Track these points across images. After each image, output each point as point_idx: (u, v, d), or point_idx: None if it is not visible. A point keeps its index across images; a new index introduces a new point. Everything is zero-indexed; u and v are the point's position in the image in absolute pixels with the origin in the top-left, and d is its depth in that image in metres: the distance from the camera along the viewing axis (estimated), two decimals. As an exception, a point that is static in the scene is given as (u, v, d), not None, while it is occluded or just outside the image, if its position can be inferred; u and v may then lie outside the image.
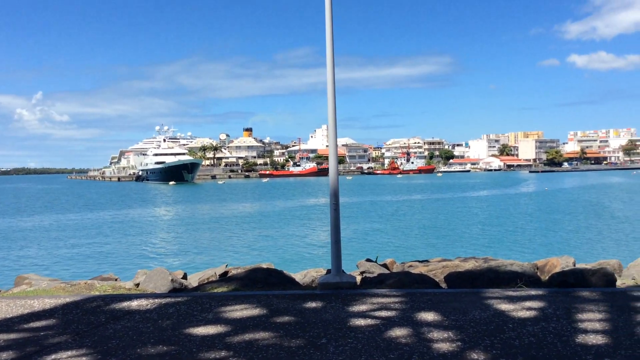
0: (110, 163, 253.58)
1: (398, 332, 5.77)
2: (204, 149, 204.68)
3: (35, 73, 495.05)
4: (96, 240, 33.33)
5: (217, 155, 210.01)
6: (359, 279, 9.82)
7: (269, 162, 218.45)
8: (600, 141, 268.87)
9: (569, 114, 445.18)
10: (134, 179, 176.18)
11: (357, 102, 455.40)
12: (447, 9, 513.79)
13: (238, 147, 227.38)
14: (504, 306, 6.86)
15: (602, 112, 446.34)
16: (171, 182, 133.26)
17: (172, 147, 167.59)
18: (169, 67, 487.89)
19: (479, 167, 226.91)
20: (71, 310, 7.37)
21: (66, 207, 64.28)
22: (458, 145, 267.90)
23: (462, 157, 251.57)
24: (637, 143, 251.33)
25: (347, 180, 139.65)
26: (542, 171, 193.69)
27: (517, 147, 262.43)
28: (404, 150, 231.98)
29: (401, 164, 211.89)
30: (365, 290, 8.20)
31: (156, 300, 7.85)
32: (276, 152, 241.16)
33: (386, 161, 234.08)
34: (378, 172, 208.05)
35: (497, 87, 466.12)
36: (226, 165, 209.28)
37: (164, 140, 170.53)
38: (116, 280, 12.75)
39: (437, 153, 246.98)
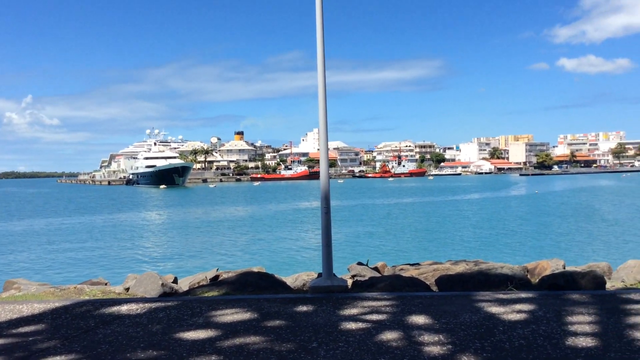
0: (101, 167, 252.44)
1: (389, 336, 5.77)
2: (195, 152, 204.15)
3: (24, 76, 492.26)
4: (86, 244, 33.13)
5: (208, 159, 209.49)
6: (350, 282, 9.82)
7: (260, 166, 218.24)
8: (590, 144, 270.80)
9: (558, 118, 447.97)
10: (125, 182, 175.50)
11: (348, 106, 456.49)
12: (437, 13, 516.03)
13: (229, 151, 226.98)
14: (495, 309, 6.88)
15: (591, 115, 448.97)
16: (162, 186, 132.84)
17: (163, 151, 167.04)
18: (160, 70, 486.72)
19: (469, 170, 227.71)
20: (60, 315, 7.31)
21: (56, 211, 63.87)
22: (449, 148, 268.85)
23: (453, 160, 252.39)
24: (627, 146, 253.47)
25: (338, 184, 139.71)
26: (532, 174, 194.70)
27: (508, 150, 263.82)
28: (395, 153, 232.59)
29: (392, 167, 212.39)
30: (357, 294, 8.19)
31: (146, 304, 7.81)
32: (268, 156, 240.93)
33: (377, 164, 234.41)
34: (369, 175, 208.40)
35: (488, 90, 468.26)
36: (217, 168, 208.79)
37: (155, 144, 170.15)
38: (106, 284, 12.68)
39: (428, 156, 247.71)
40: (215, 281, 10.99)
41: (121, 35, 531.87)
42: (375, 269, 13.45)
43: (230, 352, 5.36)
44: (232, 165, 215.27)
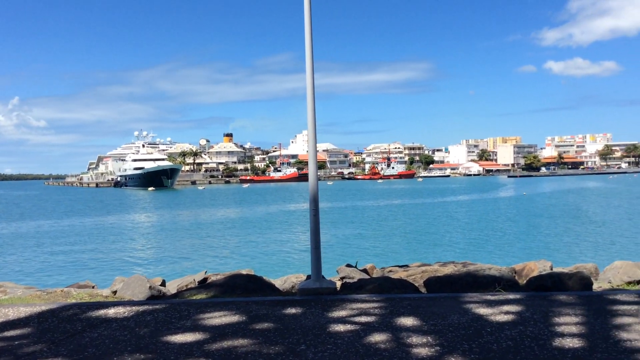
0: (88, 169, 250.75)
1: (377, 338, 5.77)
2: (183, 154, 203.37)
3: (11, 78, 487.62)
4: (74, 247, 32.86)
5: (197, 161, 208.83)
6: (339, 284, 9.81)
7: (249, 168, 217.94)
8: (577, 146, 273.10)
9: (546, 120, 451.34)
10: (113, 184, 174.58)
11: (337, 108, 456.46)
12: (426, 16, 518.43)
13: (218, 153, 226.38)
14: (483, 310, 6.90)
15: (578, 117, 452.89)
16: (150, 188, 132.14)
17: (151, 153, 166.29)
18: (148, 72, 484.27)
19: (458, 172, 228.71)
20: (47, 318, 7.24)
21: (44, 214, 63.34)
22: (438, 150, 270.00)
23: (442, 162, 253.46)
24: (613, 148, 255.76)
25: (327, 186, 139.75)
26: (520, 176, 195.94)
27: (496, 152, 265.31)
28: (385, 155, 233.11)
29: (382, 169, 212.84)
30: (345, 296, 8.19)
31: (134, 307, 7.76)
32: (257, 158, 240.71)
33: (367, 166, 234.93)
34: (359, 177, 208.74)
35: (476, 92, 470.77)
36: (206, 170, 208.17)
37: (143, 146, 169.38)
38: (93, 287, 12.57)
39: (417, 158, 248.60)
40: (203, 284, 10.95)
41: (109, 36, 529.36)
42: (364, 270, 13.45)
43: (218, 355, 5.34)
44: (221, 167, 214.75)
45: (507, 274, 9.46)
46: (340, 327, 6.25)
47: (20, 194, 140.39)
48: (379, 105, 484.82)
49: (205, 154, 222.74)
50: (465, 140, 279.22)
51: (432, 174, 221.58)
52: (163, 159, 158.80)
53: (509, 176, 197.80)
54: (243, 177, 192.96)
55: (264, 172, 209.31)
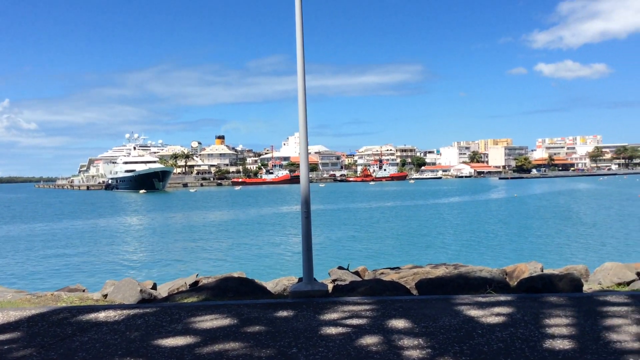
0: (79, 171, 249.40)
1: (369, 340, 5.77)
2: (175, 156, 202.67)
3: (1, 80, 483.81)
4: (64, 250, 32.68)
5: (188, 163, 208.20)
6: (330, 287, 9.81)
7: (241, 170, 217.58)
8: (568, 148, 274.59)
9: (537, 122, 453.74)
10: (104, 187, 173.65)
11: (329, 110, 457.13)
12: (418, 19, 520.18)
13: (210, 155, 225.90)
14: (474, 312, 6.92)
15: (569, 119, 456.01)
16: (142, 191, 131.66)
17: (143, 155, 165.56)
18: (140, 74, 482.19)
19: (450, 174, 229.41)
20: (37, 322, 7.19)
21: (34, 217, 62.96)
22: (429, 152, 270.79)
23: (434, 164, 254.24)
24: (603, 150, 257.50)
25: (319, 188, 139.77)
26: (511, 178, 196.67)
27: (487, 154, 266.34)
28: (377, 157, 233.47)
29: (374, 171, 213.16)
30: (337, 299, 8.19)
31: (124, 311, 7.72)
32: (249, 160, 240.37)
33: (359, 168, 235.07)
34: (351, 179, 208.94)
35: (468, 95, 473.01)
36: (198, 173, 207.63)
37: (134, 148, 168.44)
38: (84, 291, 12.51)
39: (409, 160, 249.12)
40: (195, 287, 10.91)
41: (101, 38, 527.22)
42: (356, 273, 13.46)
43: (209, 359, 5.32)
44: (213, 169, 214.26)
45: (498, 276, 9.50)
46: (332, 330, 6.25)
47: (11, 197, 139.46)
48: (371, 107, 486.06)
49: (197, 157, 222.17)
50: (457, 142, 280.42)
51: (424, 176, 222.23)
52: (154, 162, 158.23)
53: (500, 178, 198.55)
54: (235, 180, 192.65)
55: (256, 174, 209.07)
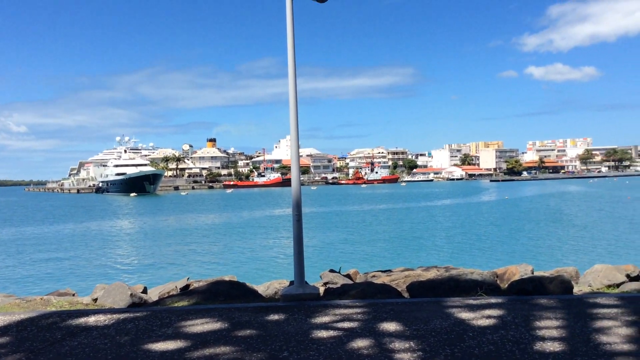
0: (69, 175, 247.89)
1: (360, 343, 5.77)
2: (166, 159, 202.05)
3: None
4: (55, 254, 32.45)
5: (180, 166, 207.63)
6: (322, 290, 9.81)
7: (233, 173, 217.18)
8: (558, 150, 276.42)
9: (527, 124, 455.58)
10: (94, 190, 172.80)
11: (321, 112, 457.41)
12: (409, 22, 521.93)
13: (201, 158, 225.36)
14: (465, 315, 6.93)
15: (559, 122, 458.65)
16: (132, 194, 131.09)
17: (134, 158, 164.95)
18: (131, 77, 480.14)
19: (441, 176, 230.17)
20: (26, 327, 7.13)
21: (25, 220, 62.51)
22: (421, 155, 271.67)
23: (425, 166, 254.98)
24: (593, 152, 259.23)
25: (311, 191, 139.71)
26: (502, 180, 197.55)
27: (478, 156, 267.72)
28: (368, 160, 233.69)
29: (365, 173, 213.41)
30: (328, 302, 8.18)
31: (114, 315, 7.67)
32: (240, 163, 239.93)
33: (350, 171, 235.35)
34: (342, 182, 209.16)
35: (459, 97, 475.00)
36: (189, 176, 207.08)
37: (125, 151, 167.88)
38: (73, 295, 12.43)
39: (400, 163, 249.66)
40: (185, 291, 10.87)
41: (92, 41, 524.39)
42: (348, 276, 13.45)
43: (199, 363, 5.29)
44: (204, 172, 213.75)
45: (489, 278, 9.53)
46: (323, 333, 6.24)
47: (1, 200, 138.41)
48: (362, 110, 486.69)
49: (188, 159, 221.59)
50: (448, 145, 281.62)
51: (416, 179, 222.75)
52: (145, 165, 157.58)
53: (491, 180, 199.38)
54: (227, 183, 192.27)
55: (247, 177, 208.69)
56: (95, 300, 10.36)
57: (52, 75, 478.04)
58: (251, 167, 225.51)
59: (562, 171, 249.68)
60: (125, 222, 56.61)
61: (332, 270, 13.52)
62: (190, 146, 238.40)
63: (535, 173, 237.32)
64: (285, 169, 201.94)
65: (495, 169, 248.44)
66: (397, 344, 5.70)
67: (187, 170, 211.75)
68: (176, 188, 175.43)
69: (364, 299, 8.38)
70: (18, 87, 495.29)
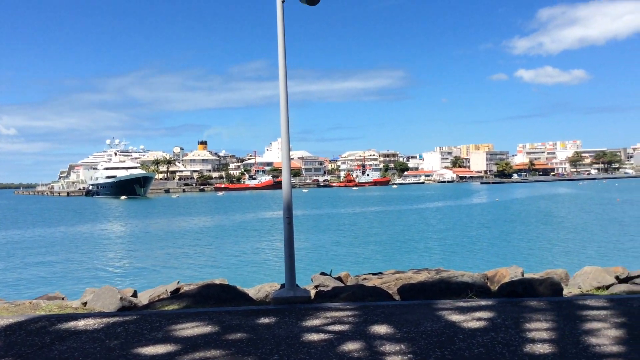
0: (59, 177, 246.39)
1: (351, 346, 5.76)
2: (157, 162, 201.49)
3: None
4: (44, 258, 32.22)
5: (170, 169, 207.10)
6: (313, 292, 9.80)
7: (224, 176, 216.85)
8: (548, 153, 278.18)
9: (517, 127, 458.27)
10: (84, 193, 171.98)
11: (312, 115, 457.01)
12: (400, 25, 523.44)
13: (193, 161, 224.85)
14: (455, 317, 6.95)
15: (549, 124, 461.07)
16: (123, 197, 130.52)
17: (124, 161, 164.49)
18: (121, 79, 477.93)
19: (432, 178, 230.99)
20: (14, 331, 7.07)
21: (14, 223, 62.06)
22: (412, 157, 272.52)
23: (417, 169, 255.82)
24: (583, 155, 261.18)
25: (303, 193, 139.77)
26: (493, 182, 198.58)
27: (469, 159, 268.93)
28: (360, 162, 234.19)
29: (357, 176, 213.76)
30: (319, 305, 8.17)
31: (104, 319, 7.62)
32: (232, 166, 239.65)
33: (342, 174, 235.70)
34: (334, 184, 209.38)
35: (449, 100, 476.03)
36: (180, 178, 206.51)
37: (115, 154, 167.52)
38: (63, 299, 12.35)
39: (392, 165, 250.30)
40: (176, 294, 10.83)
41: (81, 43, 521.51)
42: (339, 278, 13.46)
43: (189, 367, 5.27)
44: (195, 175, 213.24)
45: (479, 281, 9.55)
46: (314, 337, 6.23)
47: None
48: (353, 112, 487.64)
49: (179, 162, 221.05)
50: (439, 148, 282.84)
51: (407, 181, 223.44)
52: (136, 167, 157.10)
53: (481, 183, 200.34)
54: (218, 185, 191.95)
55: (239, 180, 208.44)
56: (85, 304, 10.30)
57: (42, 77, 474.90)
58: (242, 169, 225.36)
59: (552, 173, 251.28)
60: (115, 225, 56.34)
61: (323, 273, 13.53)
62: (181, 149, 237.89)
63: (526, 175, 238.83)
64: (276, 171, 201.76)
65: (485, 172, 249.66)
66: (388, 347, 5.70)
67: (178, 173, 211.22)
68: (167, 191, 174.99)
69: (355, 301, 8.38)
70: (7, 89, 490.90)
